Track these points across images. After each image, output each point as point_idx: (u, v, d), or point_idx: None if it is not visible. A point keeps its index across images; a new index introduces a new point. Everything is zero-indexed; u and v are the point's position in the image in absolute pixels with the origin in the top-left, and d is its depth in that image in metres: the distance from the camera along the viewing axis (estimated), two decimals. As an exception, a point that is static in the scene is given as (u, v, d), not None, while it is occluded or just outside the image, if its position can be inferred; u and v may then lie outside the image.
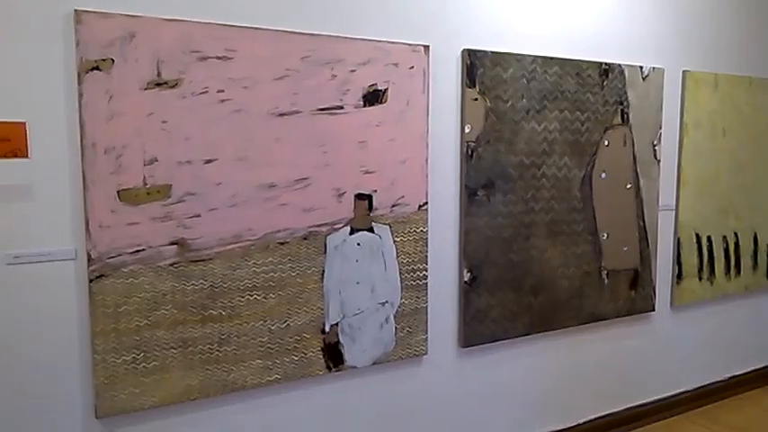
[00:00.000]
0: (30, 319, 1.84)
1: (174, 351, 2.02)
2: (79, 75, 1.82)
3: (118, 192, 1.90)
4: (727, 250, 3.62)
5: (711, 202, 3.51)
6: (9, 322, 1.81)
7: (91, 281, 1.88)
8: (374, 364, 2.42)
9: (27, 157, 1.80)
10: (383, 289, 2.41)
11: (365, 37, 2.31)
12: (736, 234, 3.64)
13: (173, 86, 1.96)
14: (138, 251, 1.94)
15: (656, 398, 3.41)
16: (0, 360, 1.81)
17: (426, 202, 2.48)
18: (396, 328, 2.45)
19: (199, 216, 2.03)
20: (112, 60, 1.86)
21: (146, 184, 1.94)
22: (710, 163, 3.48)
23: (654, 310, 3.30)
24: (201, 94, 2.01)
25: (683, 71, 3.30)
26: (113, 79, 1.87)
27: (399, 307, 2.46)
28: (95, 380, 1.91)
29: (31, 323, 1.84)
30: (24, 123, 1.78)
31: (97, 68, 1.85)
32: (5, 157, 1.76)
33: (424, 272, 2.50)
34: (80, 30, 1.81)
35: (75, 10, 1.80)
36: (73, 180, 1.86)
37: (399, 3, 2.39)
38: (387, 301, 2.43)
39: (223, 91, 2.04)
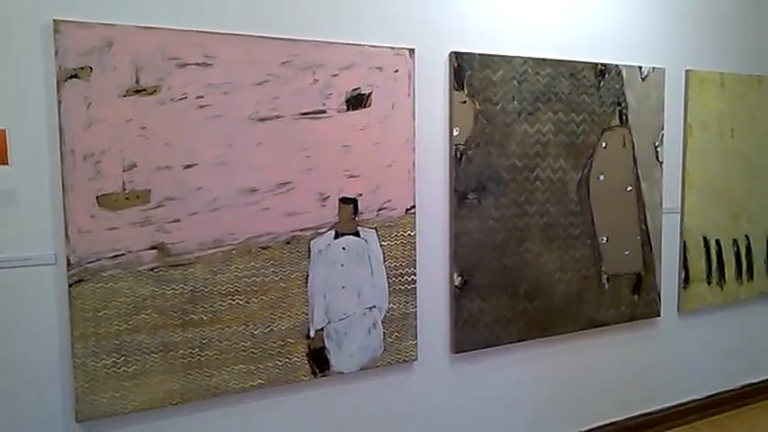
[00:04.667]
0: (9, 323, 1.87)
1: (155, 355, 2.04)
2: (58, 83, 1.86)
3: (97, 197, 1.93)
4: (738, 254, 3.51)
5: (721, 205, 3.41)
6: (-10, 326, 1.85)
7: (70, 285, 1.91)
8: (362, 369, 2.40)
9: (7, 163, 1.84)
10: (370, 294, 2.40)
11: (347, 41, 2.31)
12: (747, 238, 3.53)
13: (151, 93, 1.98)
14: (117, 256, 1.96)
15: (663, 406, 3.32)
16: (-20, 363, 1.85)
17: (414, 206, 2.46)
18: (384, 333, 2.43)
19: (179, 221, 2.05)
20: (90, 68, 1.90)
21: (125, 190, 1.97)
22: (719, 165, 3.39)
23: (659, 315, 3.21)
24: (181, 100, 2.03)
25: (687, 71, 3.22)
26: (92, 87, 1.90)
27: (387, 312, 2.43)
28: (76, 384, 1.93)
29: (11, 327, 1.88)
30: (4, 130, 1.83)
31: (76, 76, 1.88)
32: (-15, 163, 1.81)
33: (413, 276, 2.48)
34: (59, 39, 1.85)
35: (54, 20, 1.84)
36: (53, 186, 1.89)
37: (384, 7, 2.39)
38: (374, 306, 2.41)
39: (202, 97, 2.06)
